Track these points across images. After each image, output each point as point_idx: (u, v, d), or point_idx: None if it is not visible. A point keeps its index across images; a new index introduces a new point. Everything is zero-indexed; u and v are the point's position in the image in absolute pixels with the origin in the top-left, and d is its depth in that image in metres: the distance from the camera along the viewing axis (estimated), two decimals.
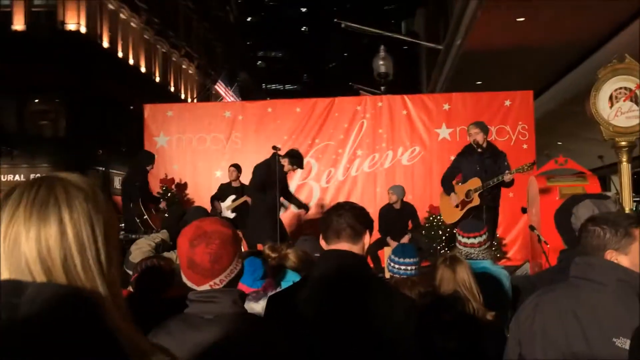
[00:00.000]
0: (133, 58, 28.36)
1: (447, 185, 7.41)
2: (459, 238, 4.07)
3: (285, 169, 7.89)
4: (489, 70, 14.18)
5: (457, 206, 7.24)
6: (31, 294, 0.99)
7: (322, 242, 2.39)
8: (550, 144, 16.31)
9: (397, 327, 2.14)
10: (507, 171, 6.80)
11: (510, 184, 7.00)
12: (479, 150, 7.06)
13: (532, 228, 6.60)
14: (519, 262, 8.91)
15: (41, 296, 0.99)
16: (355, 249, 2.32)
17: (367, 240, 2.36)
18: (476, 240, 4.01)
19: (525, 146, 10.05)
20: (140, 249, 4.19)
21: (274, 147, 7.95)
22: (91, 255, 1.08)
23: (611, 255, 2.13)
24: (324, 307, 2.21)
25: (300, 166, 8.09)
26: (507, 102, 10.20)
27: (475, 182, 7.04)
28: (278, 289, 2.91)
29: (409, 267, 3.70)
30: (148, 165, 8.90)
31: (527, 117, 10.18)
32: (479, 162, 7.02)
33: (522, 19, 11.12)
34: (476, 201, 7.01)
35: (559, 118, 15.40)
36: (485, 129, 7.20)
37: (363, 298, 2.19)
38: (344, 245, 2.31)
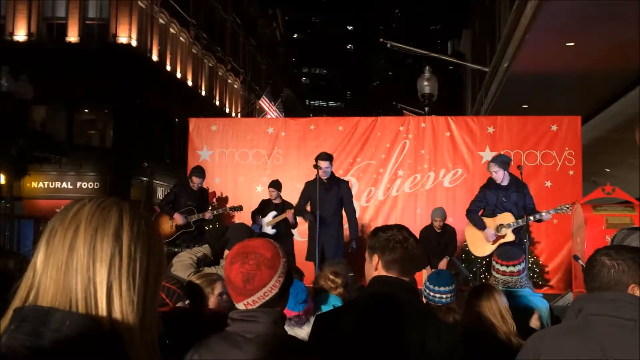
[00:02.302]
0: (180, 72, 28.93)
1: (478, 221, 7.37)
2: (497, 266, 3.99)
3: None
4: (536, 94, 13.97)
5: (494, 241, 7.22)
6: (57, 322, 1.00)
7: (377, 266, 2.34)
8: (597, 171, 15.94)
9: (443, 358, 2.11)
10: (545, 212, 6.93)
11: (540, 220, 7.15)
12: (504, 184, 7.16)
13: (576, 258, 6.43)
14: (562, 291, 8.69)
15: (66, 326, 1.00)
16: (406, 277, 2.29)
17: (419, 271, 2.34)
18: (515, 269, 3.94)
19: (571, 172, 9.84)
20: (182, 262, 4.24)
21: (316, 167, 7.97)
22: (140, 277, 1.08)
23: (633, 290, 2.04)
24: (368, 333, 2.18)
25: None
26: (554, 127, 10.02)
27: (506, 217, 7.08)
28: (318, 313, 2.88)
29: (444, 295, 3.65)
30: (190, 179, 9.10)
31: (574, 143, 9.97)
32: (506, 195, 7.11)
33: (571, 44, 10.94)
34: (510, 237, 7.07)
35: (606, 145, 15.06)
36: (505, 165, 7.25)
37: (409, 328, 2.16)
38: (396, 275, 2.29)
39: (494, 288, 3.28)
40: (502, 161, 7.34)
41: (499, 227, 7.13)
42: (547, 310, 3.85)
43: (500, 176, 7.17)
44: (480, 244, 7.42)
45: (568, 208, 7.09)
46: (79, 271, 1.04)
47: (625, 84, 12.59)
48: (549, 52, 11.42)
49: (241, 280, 1.91)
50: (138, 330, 1.05)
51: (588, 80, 12.58)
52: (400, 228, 2.41)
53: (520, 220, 7.00)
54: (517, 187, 7.17)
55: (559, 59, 11.67)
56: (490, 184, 7.37)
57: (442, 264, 8.36)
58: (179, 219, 8.77)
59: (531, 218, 6.96)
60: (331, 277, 3.51)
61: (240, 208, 9.38)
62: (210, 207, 9.60)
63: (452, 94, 38.00)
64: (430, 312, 2.48)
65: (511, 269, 3.92)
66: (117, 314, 1.04)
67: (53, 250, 1.06)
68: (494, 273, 4.00)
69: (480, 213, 7.46)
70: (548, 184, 9.83)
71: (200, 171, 9.14)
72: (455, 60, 25.22)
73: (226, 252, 4.10)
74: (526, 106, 15.01)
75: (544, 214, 6.93)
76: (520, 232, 7.13)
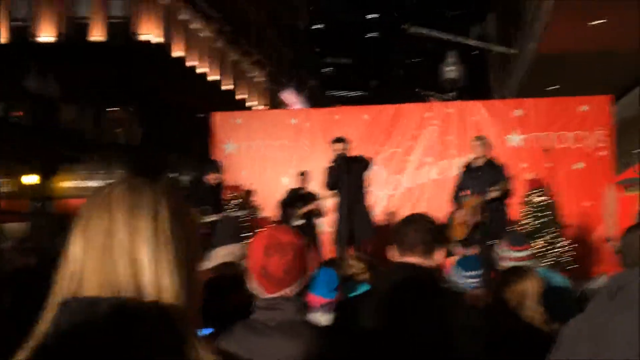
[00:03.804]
0: (205, 66, 29.08)
1: (457, 202, 7.56)
2: (509, 253, 3.90)
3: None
4: (564, 75, 13.72)
5: (464, 223, 7.36)
6: (105, 311, 0.97)
7: (394, 253, 2.36)
8: (630, 151, 15.60)
9: (464, 343, 2.07)
10: (489, 189, 6.93)
11: (503, 197, 7.08)
12: (477, 165, 7.35)
13: (608, 240, 6.31)
14: (593, 274, 8.54)
15: (115, 313, 0.97)
16: (428, 263, 2.26)
17: (441, 255, 2.31)
18: (530, 252, 3.89)
19: (603, 153, 9.63)
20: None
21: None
22: (183, 252, 1.05)
23: None
24: (388, 320, 2.16)
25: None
26: (584, 108, 9.80)
27: (473, 200, 7.22)
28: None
29: (472, 280, 3.60)
30: (207, 174, 8.42)
31: (605, 123, 9.74)
32: (478, 177, 7.26)
33: (598, 22, 10.69)
34: (475, 218, 7.17)
35: (639, 124, 14.72)
36: (487, 144, 7.48)
37: (429, 312, 2.13)
38: (416, 259, 2.26)
39: (526, 271, 3.19)
40: (484, 138, 7.62)
41: (469, 210, 7.25)
42: (569, 286, 3.79)
43: (479, 152, 7.34)
44: (457, 227, 7.46)
45: (504, 184, 6.96)
46: (122, 252, 1.01)
47: None
48: (575, 31, 11.19)
49: (282, 272, 1.94)
50: (188, 306, 1.03)
51: (617, 59, 12.31)
52: (414, 214, 2.44)
53: (478, 202, 7.09)
54: (490, 169, 7.27)
55: (586, 38, 11.43)
56: (467, 167, 7.58)
57: (471, 249, 8.28)
58: None
59: (483, 199, 7.02)
60: (352, 262, 3.51)
61: (257, 212, 9.16)
62: (237, 206, 9.42)
63: (477, 79, 37.58)
64: (450, 297, 2.44)
65: (522, 254, 3.88)
66: (166, 292, 1.01)
67: (91, 236, 1.03)
68: (504, 260, 3.90)
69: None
70: (579, 166, 9.64)
71: (216, 166, 8.57)
72: (479, 44, 24.84)
73: (220, 250, 3.89)
74: (555, 87, 14.74)
75: (488, 193, 6.95)
76: (499, 211, 7.16)
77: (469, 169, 7.48)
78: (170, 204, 1.06)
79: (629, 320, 1.84)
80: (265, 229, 2.10)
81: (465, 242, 7.34)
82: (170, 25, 25.35)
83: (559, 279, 3.84)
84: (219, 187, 8.67)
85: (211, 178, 8.38)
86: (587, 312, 2.09)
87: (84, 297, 1.00)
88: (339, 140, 7.84)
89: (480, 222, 7.11)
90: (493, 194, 6.93)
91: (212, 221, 8.29)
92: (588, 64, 12.80)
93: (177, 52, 26.08)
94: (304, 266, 2.00)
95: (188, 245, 1.06)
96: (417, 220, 2.35)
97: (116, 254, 1.01)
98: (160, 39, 24.37)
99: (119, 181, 1.10)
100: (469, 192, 7.43)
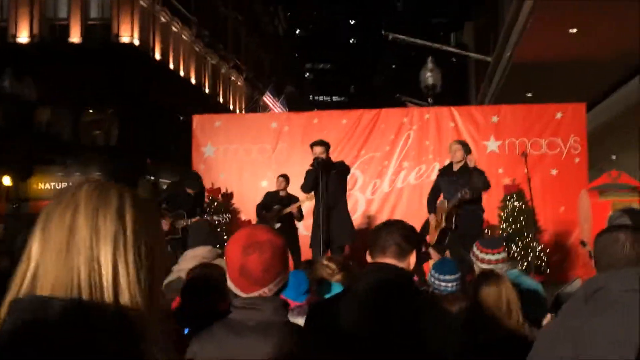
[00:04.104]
0: (184, 70, 28.93)
1: (430, 206, 7.53)
2: (482, 256, 3.89)
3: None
4: (539, 82, 13.90)
5: (436, 227, 7.35)
6: (57, 313, 0.95)
7: (368, 256, 2.39)
8: (603, 158, 15.85)
9: (438, 344, 2.09)
10: (459, 192, 6.78)
11: (474, 196, 6.93)
12: (455, 170, 7.25)
13: (583, 244, 6.41)
14: (568, 279, 8.65)
15: (67, 316, 0.95)
16: (401, 265, 2.29)
17: (414, 259, 2.33)
18: (500, 257, 3.89)
19: (577, 160, 9.77)
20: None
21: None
22: (146, 255, 1.04)
23: None
24: (364, 320, 2.18)
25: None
26: (559, 115, 9.95)
27: (443, 204, 7.20)
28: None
29: (449, 284, 3.64)
30: (188, 188, 8.70)
31: (579, 130, 9.90)
32: (454, 181, 7.16)
33: (574, 30, 10.86)
34: (442, 224, 7.16)
35: (612, 131, 14.98)
36: (466, 149, 7.33)
37: (404, 313, 2.15)
38: (389, 261, 2.29)
39: (500, 277, 3.22)
40: (465, 144, 7.47)
41: (441, 215, 7.23)
42: (542, 290, 3.83)
43: (458, 157, 7.21)
44: (431, 231, 7.48)
45: (466, 192, 6.78)
46: (82, 251, 0.99)
47: (630, 70, 12.52)
48: (551, 39, 11.35)
49: (261, 270, 1.91)
50: (146, 309, 1.01)
51: (592, 66, 12.51)
52: (390, 220, 2.51)
53: (448, 207, 7.02)
54: (467, 173, 7.14)
55: (561, 46, 11.60)
56: (444, 172, 7.53)
57: (447, 254, 8.34)
58: (163, 225, 8.02)
59: (453, 203, 6.96)
60: (325, 262, 3.49)
61: (227, 218, 9.14)
62: (211, 211, 9.40)
63: (456, 86, 37.89)
64: (424, 298, 2.47)
65: (496, 256, 3.87)
66: (124, 293, 1.00)
67: (51, 233, 1.01)
68: (478, 263, 3.93)
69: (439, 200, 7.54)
70: (554, 172, 9.78)
71: (195, 182, 8.79)
72: (458, 51, 25.06)
73: (189, 252, 3.86)
74: (530, 95, 14.94)
75: (454, 198, 6.88)
76: (474, 214, 7.07)
77: (447, 173, 7.46)
78: (136, 206, 1.05)
79: (609, 322, 1.87)
80: (243, 228, 2.09)
81: (440, 246, 7.36)
82: (149, 28, 25.21)
83: (530, 282, 3.88)
84: (198, 195, 8.87)
85: (190, 191, 8.66)
86: (562, 315, 2.11)
87: (37, 296, 0.98)
88: (318, 143, 7.82)
89: (454, 226, 7.10)
90: (456, 199, 6.89)
91: (185, 226, 8.32)
92: (563, 72, 12.99)
93: (156, 54, 25.93)
94: (283, 265, 1.97)
95: (152, 248, 1.04)
96: (391, 224, 2.40)
97: (75, 253, 0.99)
98: (139, 41, 24.21)
99: (85, 181, 1.07)
100: (442, 197, 7.49)
